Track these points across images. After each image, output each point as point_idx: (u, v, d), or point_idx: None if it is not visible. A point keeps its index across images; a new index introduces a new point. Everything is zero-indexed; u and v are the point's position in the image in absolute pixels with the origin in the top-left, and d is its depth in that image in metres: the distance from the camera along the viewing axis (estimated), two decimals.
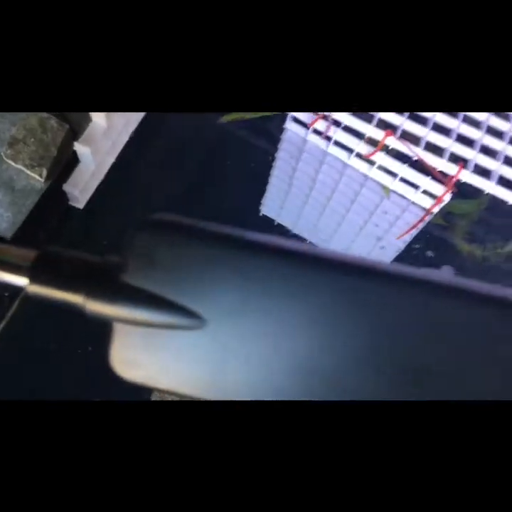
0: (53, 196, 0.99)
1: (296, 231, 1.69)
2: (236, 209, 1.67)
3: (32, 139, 1.46)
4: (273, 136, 1.33)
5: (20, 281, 0.30)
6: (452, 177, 1.18)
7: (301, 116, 1.22)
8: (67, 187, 0.97)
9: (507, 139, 1.22)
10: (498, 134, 1.25)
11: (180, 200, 1.48)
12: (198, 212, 1.48)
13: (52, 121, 1.38)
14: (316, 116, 1.19)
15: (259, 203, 1.65)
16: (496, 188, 1.16)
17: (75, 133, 1.31)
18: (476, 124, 1.25)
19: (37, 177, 1.50)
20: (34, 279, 0.30)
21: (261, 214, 1.69)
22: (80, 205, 1.01)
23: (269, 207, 1.65)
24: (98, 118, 0.92)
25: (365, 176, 1.26)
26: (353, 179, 1.30)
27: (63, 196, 0.97)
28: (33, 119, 1.39)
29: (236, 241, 0.27)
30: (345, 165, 1.27)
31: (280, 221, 1.70)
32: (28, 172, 1.48)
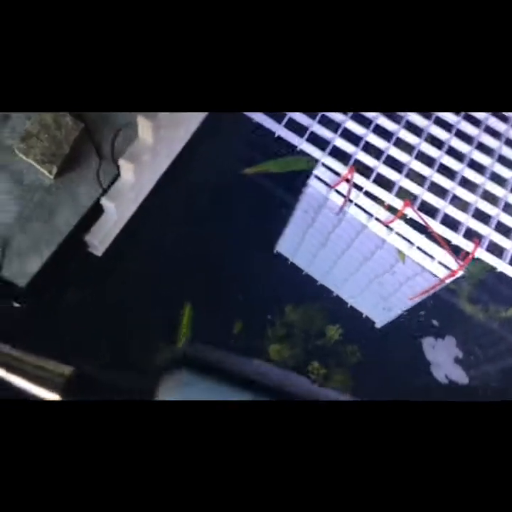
0: (73, 244, 1.03)
1: (308, 272, 1.72)
2: (252, 248, 1.70)
3: (45, 135, 1.45)
4: (293, 188, 1.36)
5: (51, 396, 0.34)
6: (468, 253, 1.20)
7: (325, 176, 1.24)
8: (88, 237, 1.01)
9: None
10: None
11: (196, 239, 1.51)
12: (215, 252, 1.50)
13: (68, 119, 1.36)
14: (339, 179, 1.22)
15: (274, 244, 1.68)
16: (507, 267, 1.18)
17: (90, 132, 1.29)
18: (493, 199, 1.27)
19: (46, 173, 1.50)
20: (66, 398, 0.34)
21: (275, 251, 1.72)
22: (99, 252, 1.05)
23: (283, 247, 1.68)
24: (127, 174, 0.95)
25: (382, 240, 1.29)
26: (370, 239, 1.33)
27: (83, 244, 1.01)
28: (48, 114, 1.37)
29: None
30: (363, 226, 1.29)
31: (294, 262, 1.73)
32: (38, 167, 1.48)
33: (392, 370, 1.65)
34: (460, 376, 1.41)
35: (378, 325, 1.68)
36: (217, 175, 1.43)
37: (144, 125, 0.90)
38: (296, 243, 1.61)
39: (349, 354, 1.71)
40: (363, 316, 1.70)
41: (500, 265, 1.18)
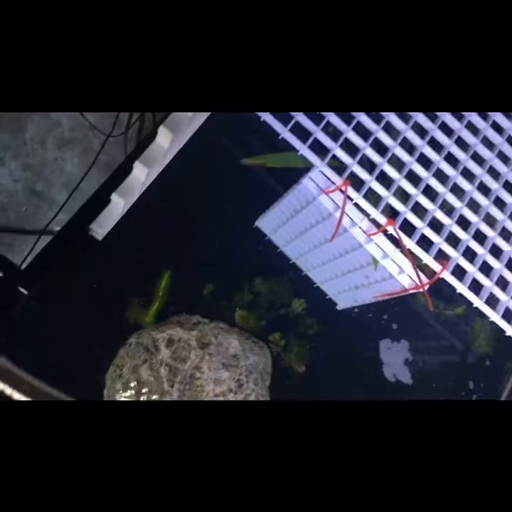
0: (74, 229, 1.05)
1: (283, 250, 1.81)
2: (232, 221, 1.75)
3: None
4: (285, 181, 1.41)
5: None
6: (435, 273, 1.32)
7: (318, 179, 1.30)
8: (93, 225, 1.04)
9: (489, 245, 1.36)
10: (482, 237, 1.38)
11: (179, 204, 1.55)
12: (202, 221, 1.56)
13: None
14: (333, 187, 1.28)
15: (253, 220, 1.74)
16: (467, 292, 1.31)
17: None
18: (466, 225, 1.38)
19: None
20: None
21: (254, 226, 1.79)
22: (100, 237, 1.09)
23: (263, 224, 1.75)
24: (140, 174, 0.98)
25: (360, 244, 1.38)
26: (348, 241, 1.42)
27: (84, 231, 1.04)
28: None
29: None
30: (345, 229, 1.38)
31: (271, 238, 1.80)
32: None
33: (344, 350, 1.81)
34: (406, 377, 1.59)
35: (339, 307, 1.81)
36: (216, 161, 1.46)
37: (165, 135, 0.92)
38: (276, 224, 1.68)
39: (308, 327, 1.86)
40: (327, 297, 1.83)
41: (460, 287, 1.31)
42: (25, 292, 0.92)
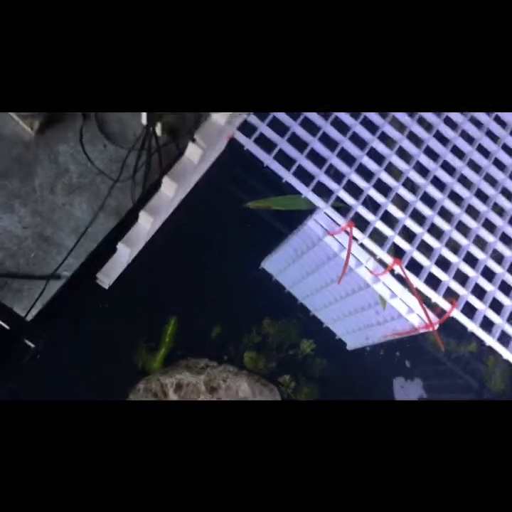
0: (82, 279, 1.06)
1: (290, 291, 1.80)
2: (238, 264, 1.76)
3: None
4: (289, 223, 1.42)
5: None
6: (444, 313, 1.30)
7: (323, 221, 1.31)
8: (99, 275, 1.05)
9: (498, 281, 1.35)
10: (491, 274, 1.37)
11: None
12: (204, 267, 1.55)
13: None
14: (338, 228, 1.28)
15: (260, 262, 1.74)
16: (478, 330, 1.29)
17: None
18: (474, 262, 1.37)
19: (27, 128, 1.47)
20: None
21: (260, 267, 1.79)
22: (106, 286, 1.09)
23: (269, 265, 1.75)
24: (145, 224, 0.99)
25: (367, 283, 1.37)
26: (355, 280, 1.41)
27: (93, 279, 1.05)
28: None
29: None
30: (351, 269, 1.37)
31: (278, 279, 1.80)
32: (19, 121, 1.43)
33: (356, 390, 1.78)
34: None
35: (349, 347, 1.79)
36: (221, 205, 1.48)
37: (170, 185, 0.93)
38: (282, 266, 1.68)
39: (318, 367, 1.83)
40: (336, 337, 1.81)
41: (471, 326, 1.29)
42: (32, 345, 0.92)
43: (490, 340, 1.29)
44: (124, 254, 1.00)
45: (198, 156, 0.92)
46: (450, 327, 1.64)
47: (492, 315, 1.31)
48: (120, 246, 0.98)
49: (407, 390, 1.57)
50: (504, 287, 1.36)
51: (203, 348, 1.79)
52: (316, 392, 1.78)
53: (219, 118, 0.93)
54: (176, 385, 1.73)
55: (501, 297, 1.34)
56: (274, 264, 1.69)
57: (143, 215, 0.95)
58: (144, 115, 2.28)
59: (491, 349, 1.40)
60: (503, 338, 1.32)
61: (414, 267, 1.34)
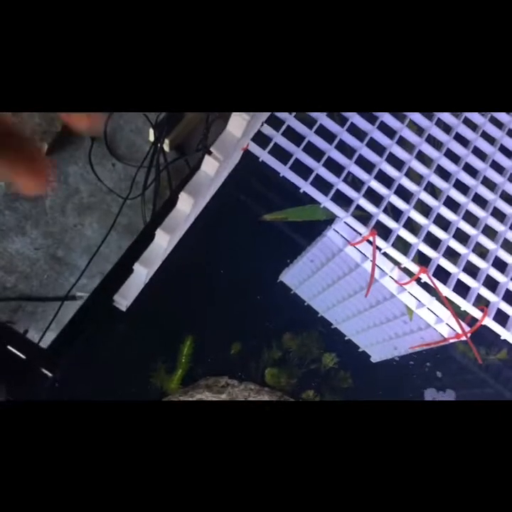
0: (99, 302, 1.03)
1: (310, 304, 1.75)
2: (256, 278, 1.71)
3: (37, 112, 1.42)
4: (308, 235, 1.38)
5: None
6: (475, 321, 1.25)
7: (343, 231, 1.26)
8: (116, 297, 1.01)
9: None
10: None
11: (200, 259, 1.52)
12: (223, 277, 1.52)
13: None
14: (359, 238, 1.24)
15: (278, 275, 1.70)
16: (510, 336, 1.23)
17: None
18: (503, 266, 1.32)
19: None
20: None
21: (279, 280, 1.74)
22: (123, 308, 1.05)
23: (288, 278, 1.70)
24: (161, 239, 0.95)
25: (392, 294, 1.32)
26: (379, 291, 1.36)
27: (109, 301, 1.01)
28: None
29: None
30: (375, 279, 1.32)
31: (297, 292, 1.75)
32: None
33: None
34: None
35: (373, 360, 1.73)
36: (237, 218, 1.44)
37: (186, 200, 0.89)
38: (302, 278, 1.64)
39: (342, 381, 1.77)
40: (360, 349, 1.75)
41: (504, 334, 1.23)
42: (50, 374, 0.88)
43: None
44: (141, 274, 0.97)
45: (214, 169, 0.88)
46: (478, 335, 1.58)
47: None
48: (137, 266, 0.94)
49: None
50: None
51: (223, 366, 1.74)
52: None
53: (235, 129, 0.89)
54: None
55: None
56: (292, 276, 1.64)
57: (159, 234, 0.91)
58: (151, 132, 2.26)
59: None
60: None
61: (441, 275, 1.29)
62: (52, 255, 2.46)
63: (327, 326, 1.78)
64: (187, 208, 0.90)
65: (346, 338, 1.77)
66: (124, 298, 1.00)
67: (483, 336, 1.60)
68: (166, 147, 2.20)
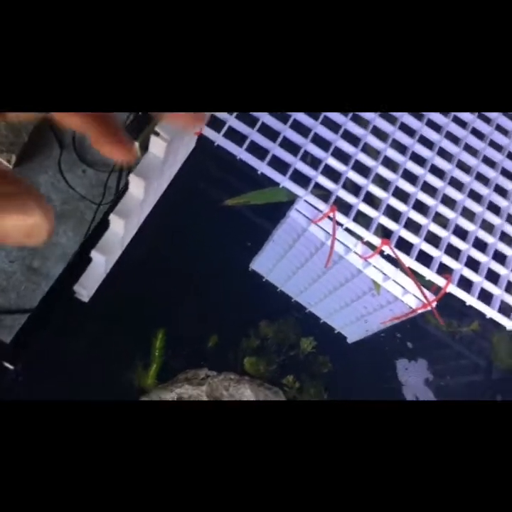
0: (59, 291, 1.02)
1: (282, 289, 1.76)
2: (226, 265, 1.72)
3: (3, 123, 1.42)
4: (272, 218, 1.38)
5: None
6: (439, 288, 1.26)
7: (305, 210, 1.27)
8: (76, 287, 1.00)
9: (491, 251, 1.32)
10: (483, 245, 1.34)
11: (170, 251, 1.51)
12: (191, 268, 1.51)
13: None
14: (321, 215, 1.25)
15: (248, 263, 1.70)
16: (477, 303, 1.25)
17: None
18: (464, 234, 1.34)
19: (5, 162, 1.47)
20: None
21: (250, 269, 1.75)
22: (85, 299, 1.05)
23: (258, 266, 1.71)
24: (116, 225, 0.95)
25: (358, 270, 1.33)
26: (346, 268, 1.37)
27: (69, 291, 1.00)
28: None
29: None
30: (340, 257, 1.34)
31: (269, 279, 1.75)
32: None
33: (361, 382, 1.73)
34: (428, 397, 1.50)
35: (349, 340, 1.74)
36: (199, 206, 1.44)
37: (137, 183, 0.89)
38: (272, 264, 1.64)
39: (321, 365, 1.78)
40: (336, 331, 1.76)
41: (469, 300, 1.25)
42: (11, 367, 0.87)
43: (490, 312, 1.25)
44: (100, 263, 0.96)
45: (162, 150, 0.88)
46: (451, 308, 1.60)
47: (489, 286, 1.27)
48: (94, 254, 0.94)
49: (412, 371, 1.52)
50: (499, 257, 1.32)
51: (202, 358, 1.74)
52: (321, 390, 1.73)
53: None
54: (177, 400, 1.67)
55: (497, 267, 1.30)
56: (262, 263, 1.65)
57: (113, 219, 0.91)
58: None
59: (493, 325, 1.35)
60: (504, 309, 1.28)
61: (404, 247, 1.30)
62: (28, 266, 2.43)
63: (302, 311, 1.79)
64: (139, 191, 0.90)
65: (322, 322, 1.78)
66: (85, 288, 0.99)
67: (454, 309, 1.63)
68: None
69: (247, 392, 1.79)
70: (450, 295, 1.31)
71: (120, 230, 0.95)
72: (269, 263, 1.64)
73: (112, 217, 0.90)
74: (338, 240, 1.29)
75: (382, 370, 1.61)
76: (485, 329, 1.71)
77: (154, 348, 1.55)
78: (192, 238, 1.50)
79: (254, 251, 1.59)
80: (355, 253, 1.29)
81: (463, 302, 1.31)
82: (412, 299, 1.31)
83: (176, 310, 1.65)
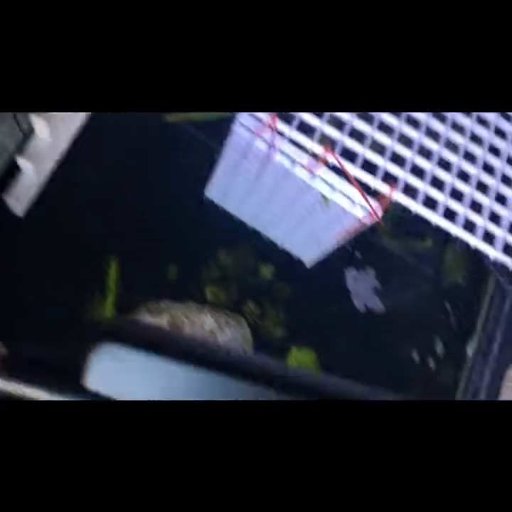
0: None
1: (238, 216, 1.76)
2: (181, 195, 1.70)
3: None
4: (217, 135, 1.36)
5: None
6: (385, 197, 1.27)
7: (249, 123, 1.25)
8: (8, 198, 0.98)
9: (436, 159, 1.32)
10: (428, 153, 1.34)
11: (123, 190, 1.49)
12: (145, 199, 1.50)
13: None
14: (263, 127, 1.23)
15: (203, 190, 1.69)
16: (422, 209, 1.26)
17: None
18: (409, 142, 1.33)
19: None
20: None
21: (205, 198, 1.74)
22: (20, 212, 1.03)
23: (213, 194, 1.70)
24: (42, 133, 0.93)
25: (307, 184, 1.33)
26: (295, 184, 1.37)
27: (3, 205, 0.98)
28: None
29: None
30: (288, 171, 1.33)
31: (224, 207, 1.75)
32: None
33: (318, 301, 1.76)
34: (377, 305, 1.53)
35: (308, 265, 1.76)
36: (137, 124, 1.40)
37: None
38: (225, 189, 1.63)
39: (280, 290, 1.80)
40: (293, 256, 1.78)
41: (414, 206, 1.26)
42: None
43: (435, 218, 1.26)
44: (29, 171, 0.94)
45: None
46: (409, 225, 1.61)
47: (433, 193, 1.28)
48: (21, 162, 0.92)
49: (360, 281, 1.55)
50: (443, 164, 1.33)
51: (162, 289, 1.75)
52: (281, 314, 1.76)
53: None
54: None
55: (441, 174, 1.31)
56: (216, 189, 1.64)
57: (36, 121, 0.89)
58: None
59: (444, 239, 1.37)
60: (449, 216, 1.30)
61: (350, 157, 1.30)
62: None
63: (259, 238, 1.79)
64: None
65: (280, 248, 1.79)
66: (17, 199, 0.97)
67: (411, 227, 1.64)
68: None
69: (208, 320, 1.81)
70: (408, 215, 1.31)
71: (46, 135, 0.93)
72: (222, 188, 1.62)
73: (32, 118, 0.88)
74: (284, 153, 1.28)
75: (330, 278, 1.62)
76: (437, 244, 1.74)
77: (108, 278, 1.54)
78: (140, 163, 1.46)
79: (205, 177, 1.57)
80: (301, 165, 1.29)
81: (420, 221, 1.32)
82: (359, 210, 1.32)
83: (129, 240, 1.64)
